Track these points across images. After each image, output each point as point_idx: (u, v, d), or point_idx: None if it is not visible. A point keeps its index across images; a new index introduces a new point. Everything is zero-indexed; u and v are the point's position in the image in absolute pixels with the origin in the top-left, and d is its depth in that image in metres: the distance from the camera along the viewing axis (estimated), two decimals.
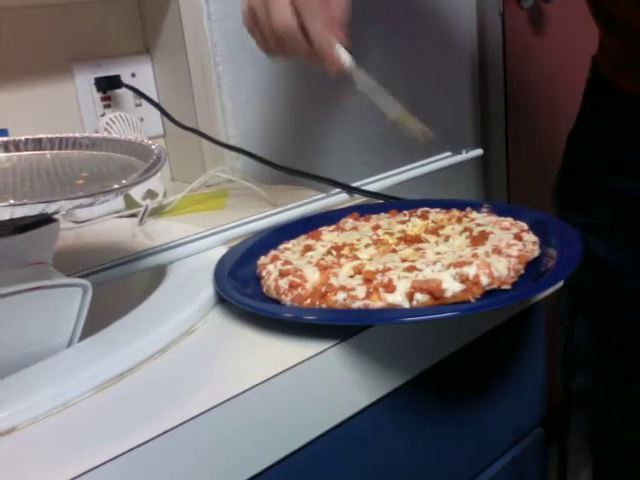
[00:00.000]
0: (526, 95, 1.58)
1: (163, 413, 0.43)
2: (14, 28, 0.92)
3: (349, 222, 0.69)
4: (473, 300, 0.49)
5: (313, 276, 0.54)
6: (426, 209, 0.69)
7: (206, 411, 0.43)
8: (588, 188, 0.49)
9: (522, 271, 0.53)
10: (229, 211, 0.89)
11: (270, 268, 0.58)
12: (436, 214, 0.67)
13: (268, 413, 0.46)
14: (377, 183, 0.83)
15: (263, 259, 0.61)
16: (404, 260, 0.55)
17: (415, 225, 0.65)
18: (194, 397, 0.44)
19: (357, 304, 0.50)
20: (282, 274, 0.56)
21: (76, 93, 1.00)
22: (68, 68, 0.99)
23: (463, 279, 0.50)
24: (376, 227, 0.66)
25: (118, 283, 0.64)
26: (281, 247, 0.64)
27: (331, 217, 0.71)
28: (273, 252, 0.63)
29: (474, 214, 0.66)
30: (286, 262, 0.58)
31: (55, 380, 0.45)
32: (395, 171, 0.85)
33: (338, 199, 0.81)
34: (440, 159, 0.88)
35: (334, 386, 0.50)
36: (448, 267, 0.51)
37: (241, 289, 0.57)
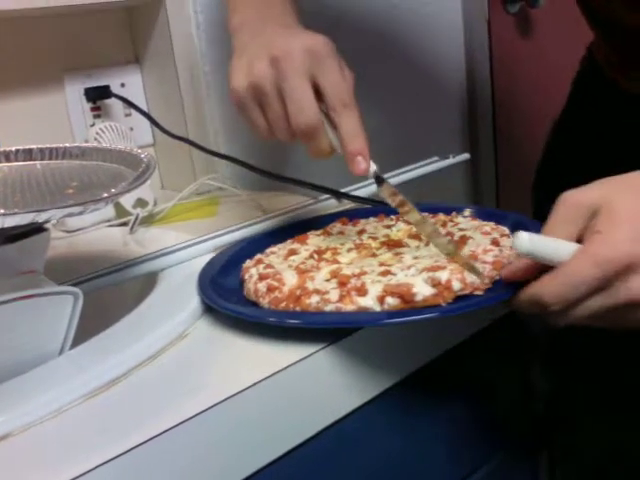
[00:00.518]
0: (513, 99, 1.59)
1: (155, 417, 0.43)
2: (3, 39, 0.93)
3: (337, 227, 0.69)
4: (444, 304, 0.50)
5: (291, 280, 0.55)
6: None
7: (198, 414, 0.43)
8: (568, 182, 0.50)
9: (497, 277, 0.53)
10: (219, 218, 0.90)
11: (252, 271, 0.59)
12: None
13: (260, 415, 0.47)
14: (365, 189, 0.84)
15: (248, 262, 0.62)
16: (382, 264, 0.56)
17: (399, 230, 0.66)
18: (185, 401, 0.45)
19: (329, 307, 0.51)
20: (261, 277, 0.57)
21: (66, 103, 1.00)
22: (58, 79, 0.99)
23: (435, 283, 0.50)
24: (362, 232, 0.67)
25: (110, 291, 0.64)
26: (268, 251, 0.65)
27: (321, 222, 0.72)
28: (259, 256, 0.63)
29: (459, 218, 0.66)
30: (268, 265, 0.59)
31: (48, 387, 0.46)
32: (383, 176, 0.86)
33: (327, 205, 0.82)
34: (427, 164, 0.89)
35: (324, 388, 0.51)
36: (422, 271, 0.52)
37: (226, 295, 0.57)
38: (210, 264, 0.64)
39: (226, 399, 0.45)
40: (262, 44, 0.59)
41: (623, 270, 0.44)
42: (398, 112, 1.33)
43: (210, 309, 0.58)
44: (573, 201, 0.47)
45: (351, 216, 0.72)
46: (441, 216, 0.67)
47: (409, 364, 0.58)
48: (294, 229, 0.70)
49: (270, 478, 0.49)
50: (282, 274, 0.56)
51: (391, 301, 0.50)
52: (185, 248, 0.68)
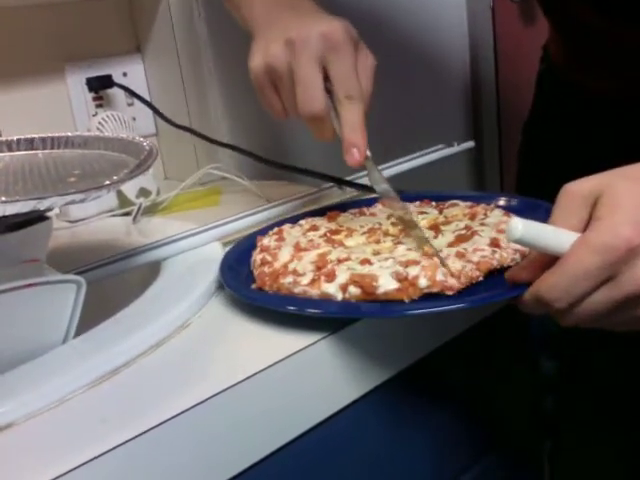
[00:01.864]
0: (518, 87, 1.58)
1: (157, 406, 0.43)
2: (5, 29, 0.93)
3: (378, 207, 0.69)
4: (407, 300, 0.49)
5: (286, 257, 0.55)
6: (455, 202, 0.68)
7: (198, 404, 0.43)
8: (545, 182, 0.49)
9: (480, 278, 0.51)
10: (223, 208, 0.90)
11: (264, 241, 0.60)
12: (456, 209, 0.66)
13: (259, 407, 0.47)
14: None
15: (270, 232, 0.63)
16: (376, 253, 0.55)
17: (424, 219, 0.65)
18: (186, 391, 0.45)
19: (298, 289, 0.51)
20: (262, 249, 0.57)
21: (68, 93, 1.00)
22: (60, 68, 0.99)
23: (401, 278, 0.49)
24: (391, 215, 0.65)
25: (113, 280, 0.64)
26: (299, 222, 0.65)
27: (366, 202, 0.72)
28: (285, 226, 0.64)
29: (495, 212, 0.64)
30: (281, 238, 0.60)
31: (51, 376, 0.45)
32: (387, 164, 0.85)
33: (330, 193, 0.82)
34: (432, 152, 0.89)
35: (323, 379, 0.51)
36: (397, 264, 0.51)
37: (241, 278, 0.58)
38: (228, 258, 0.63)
39: (226, 389, 0.44)
40: (280, 28, 0.61)
41: (626, 256, 0.42)
42: (402, 100, 1.32)
43: (214, 297, 0.58)
44: (574, 191, 0.45)
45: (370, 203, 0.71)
46: (479, 208, 0.65)
47: (406, 357, 0.57)
48: (339, 209, 0.70)
49: (268, 470, 0.48)
50: (280, 249, 0.56)
51: (353, 290, 0.50)
52: (188, 237, 0.68)
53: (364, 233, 0.62)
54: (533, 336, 0.73)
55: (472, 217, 0.63)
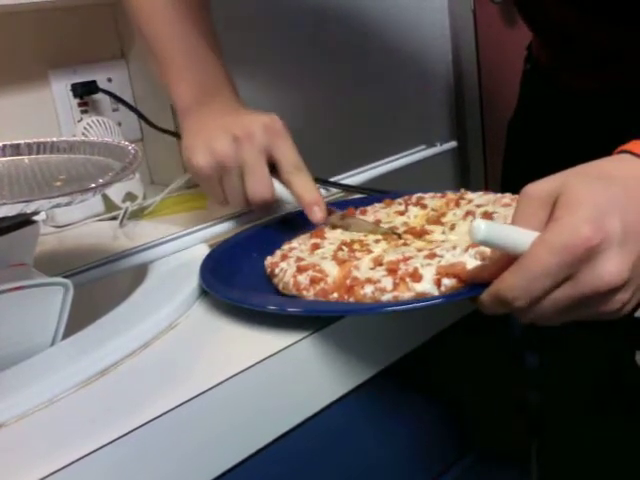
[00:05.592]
0: (500, 87, 1.60)
1: (145, 405, 0.44)
2: None
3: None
4: None
5: (332, 270, 0.53)
6: (420, 195, 0.68)
7: (185, 403, 0.44)
8: (530, 180, 0.50)
9: None
10: (209, 211, 0.90)
11: (283, 265, 0.57)
12: (432, 200, 0.66)
13: (246, 402, 0.48)
14: (352, 178, 0.84)
15: (270, 258, 0.60)
16: (420, 250, 0.54)
17: (416, 215, 0.64)
18: (175, 390, 0.45)
19: (386, 296, 0.49)
20: (300, 270, 0.55)
21: (53, 99, 1.00)
22: (44, 75, 0.99)
23: (484, 257, 0.49)
24: (377, 221, 0.65)
25: (100, 283, 0.64)
26: (285, 247, 0.62)
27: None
28: (279, 252, 0.61)
29: (469, 195, 0.64)
30: (299, 258, 0.57)
31: (40, 377, 0.46)
32: (370, 165, 0.86)
33: None
34: (415, 152, 0.90)
35: (308, 376, 0.52)
36: (466, 250, 0.50)
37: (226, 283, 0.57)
38: (209, 258, 0.63)
39: (212, 388, 0.45)
40: (220, 125, 0.67)
41: (584, 256, 0.42)
42: (386, 101, 1.33)
43: (200, 298, 0.59)
44: (532, 193, 0.46)
45: (356, 205, 0.70)
46: (450, 195, 0.65)
47: (389, 355, 0.58)
48: (292, 223, 0.69)
49: (254, 468, 0.49)
50: (321, 265, 0.54)
51: (448, 282, 0.48)
52: (175, 240, 0.68)
53: (378, 240, 0.60)
54: (516, 332, 0.74)
55: (456, 204, 0.63)
